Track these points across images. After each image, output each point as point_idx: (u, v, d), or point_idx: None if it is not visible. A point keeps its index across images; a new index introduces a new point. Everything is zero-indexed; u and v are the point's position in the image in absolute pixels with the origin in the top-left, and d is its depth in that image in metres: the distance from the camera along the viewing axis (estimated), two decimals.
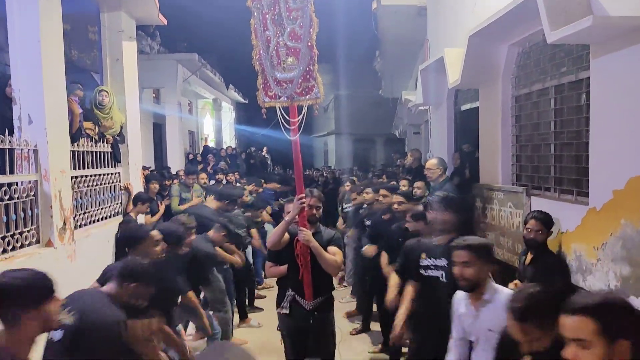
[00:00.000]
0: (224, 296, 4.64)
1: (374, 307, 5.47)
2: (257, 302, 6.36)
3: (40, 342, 2.04)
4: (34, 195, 3.76)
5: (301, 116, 3.25)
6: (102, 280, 2.80)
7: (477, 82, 5.19)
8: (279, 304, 3.43)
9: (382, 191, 5.20)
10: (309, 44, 3.13)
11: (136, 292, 2.28)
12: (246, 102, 19.63)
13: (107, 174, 5.27)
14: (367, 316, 5.54)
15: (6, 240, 3.41)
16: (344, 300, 6.39)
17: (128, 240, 3.02)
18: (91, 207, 4.85)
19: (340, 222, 7.06)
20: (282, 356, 3.45)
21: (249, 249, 6.24)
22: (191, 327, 4.82)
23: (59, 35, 4.15)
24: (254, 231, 6.11)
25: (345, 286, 7.00)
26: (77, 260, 4.10)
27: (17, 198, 3.56)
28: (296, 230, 3.20)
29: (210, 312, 4.41)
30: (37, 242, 3.78)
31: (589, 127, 3.33)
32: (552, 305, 1.77)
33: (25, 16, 3.79)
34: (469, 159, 6.10)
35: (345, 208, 6.93)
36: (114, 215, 5.28)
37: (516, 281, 3.35)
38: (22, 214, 3.61)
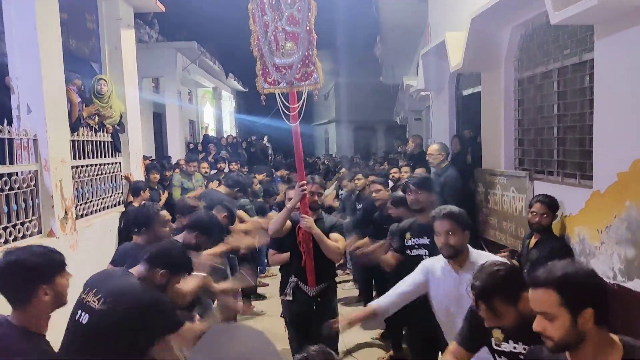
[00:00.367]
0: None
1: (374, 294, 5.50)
2: (260, 290, 6.38)
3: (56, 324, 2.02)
4: (34, 185, 3.75)
5: (301, 102, 3.21)
6: (119, 261, 2.78)
7: (479, 66, 5.13)
8: (282, 291, 3.43)
9: (371, 177, 5.20)
10: (308, 28, 3.08)
11: (164, 278, 2.22)
12: (246, 90, 19.50)
13: (108, 164, 5.26)
14: (368, 302, 5.54)
15: (7, 230, 3.41)
16: (345, 287, 6.41)
17: (136, 221, 2.97)
18: (92, 197, 4.84)
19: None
20: (286, 342, 3.46)
21: None
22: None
23: (56, 23, 4.10)
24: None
25: (347, 273, 7.02)
26: (79, 250, 4.10)
27: (18, 188, 3.55)
28: (298, 218, 3.19)
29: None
30: (39, 232, 3.77)
31: (593, 109, 3.29)
32: (513, 282, 1.81)
33: (22, 4, 3.75)
34: (470, 144, 6.06)
35: (341, 194, 6.93)
36: (115, 205, 5.28)
37: (506, 253, 3.38)
38: (22, 205, 3.60)
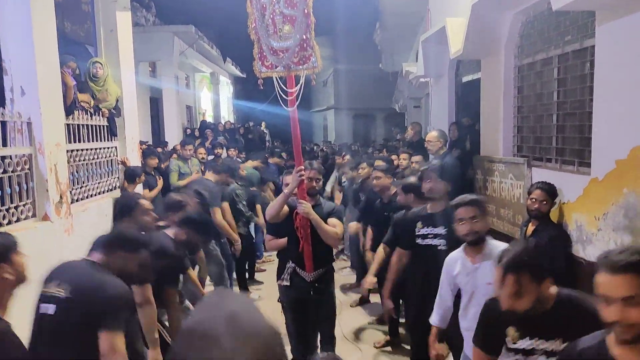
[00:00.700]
0: (222, 269, 4.65)
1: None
2: (257, 276, 6.40)
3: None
4: (28, 168, 3.71)
5: (298, 86, 3.18)
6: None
7: (479, 53, 5.08)
8: (279, 276, 3.43)
9: (378, 162, 5.14)
10: (305, 11, 3.04)
11: (123, 260, 2.21)
12: (244, 76, 19.36)
13: (104, 148, 5.21)
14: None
15: (2, 214, 3.38)
16: (343, 274, 6.44)
17: (120, 209, 2.97)
18: (88, 181, 4.80)
19: (338, 197, 7.05)
20: (283, 328, 3.46)
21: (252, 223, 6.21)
22: None
23: (50, 4, 4.02)
24: (258, 207, 6.07)
25: (344, 259, 7.03)
26: (74, 235, 4.07)
27: (12, 172, 3.51)
28: (295, 203, 3.17)
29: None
30: (33, 216, 3.74)
31: (593, 96, 3.27)
32: (543, 262, 1.81)
33: None
34: (469, 131, 6.04)
35: (343, 182, 6.91)
36: (111, 190, 5.25)
37: None
38: (17, 188, 3.56)
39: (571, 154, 3.72)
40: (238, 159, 8.01)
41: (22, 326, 2.02)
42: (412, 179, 3.68)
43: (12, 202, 3.50)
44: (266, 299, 5.42)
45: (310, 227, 3.18)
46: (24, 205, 3.63)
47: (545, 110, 4.11)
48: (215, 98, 17.95)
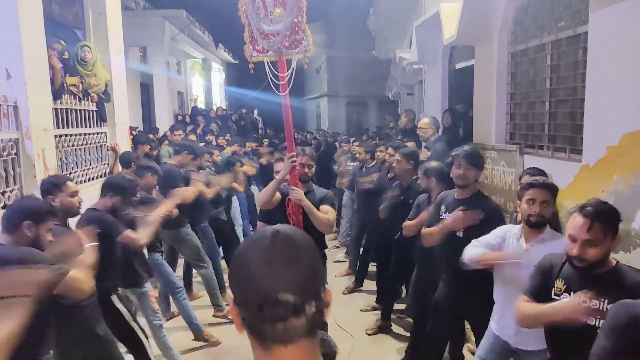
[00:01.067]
0: (199, 252, 4.61)
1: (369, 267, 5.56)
2: None
3: None
4: (15, 154, 3.65)
5: (290, 71, 3.13)
6: None
7: (473, 39, 5.04)
8: None
9: (390, 150, 5.00)
10: None
11: (31, 230, 2.19)
12: (236, 62, 19.14)
13: (93, 134, 5.14)
14: (361, 275, 5.59)
15: None
16: (337, 258, 6.47)
17: (48, 188, 2.84)
18: (77, 167, 4.75)
19: (339, 180, 7.10)
20: None
21: (236, 209, 6.15)
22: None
23: None
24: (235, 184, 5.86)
25: (337, 247, 7.05)
26: None
27: None
28: (287, 190, 3.15)
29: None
30: None
31: (585, 83, 3.26)
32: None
33: None
34: (462, 118, 6.03)
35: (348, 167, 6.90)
36: (100, 176, 5.19)
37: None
38: (3, 174, 3.51)
39: (563, 141, 3.72)
40: (219, 144, 7.85)
41: None
42: (434, 164, 3.68)
43: None
44: None
45: (303, 214, 3.16)
46: (11, 191, 3.57)
47: (538, 97, 4.10)
48: (207, 84, 17.77)
